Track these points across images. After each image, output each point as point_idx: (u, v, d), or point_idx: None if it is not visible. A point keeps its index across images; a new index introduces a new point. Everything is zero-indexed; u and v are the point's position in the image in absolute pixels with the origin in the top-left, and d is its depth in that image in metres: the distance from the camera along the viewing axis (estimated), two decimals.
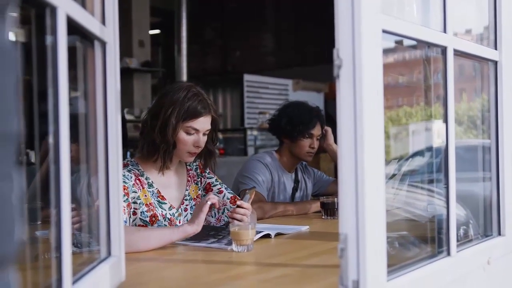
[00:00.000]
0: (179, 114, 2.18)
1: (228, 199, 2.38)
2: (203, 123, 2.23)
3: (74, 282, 1.10)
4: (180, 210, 2.32)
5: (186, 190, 2.37)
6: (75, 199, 1.15)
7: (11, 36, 0.60)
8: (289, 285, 1.53)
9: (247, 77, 8.26)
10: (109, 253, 1.39)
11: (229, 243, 1.94)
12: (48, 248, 1.48)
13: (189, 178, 2.40)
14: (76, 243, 1.36)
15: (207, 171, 2.46)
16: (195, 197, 2.40)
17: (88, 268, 1.25)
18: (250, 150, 7.44)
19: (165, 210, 2.25)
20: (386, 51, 1.30)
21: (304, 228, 2.39)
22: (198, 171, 2.44)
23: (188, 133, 2.21)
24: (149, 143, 2.22)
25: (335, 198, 2.71)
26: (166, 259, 1.85)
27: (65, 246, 1.03)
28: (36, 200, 1.83)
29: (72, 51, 1.11)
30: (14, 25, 0.62)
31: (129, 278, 1.48)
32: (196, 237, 2.07)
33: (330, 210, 2.69)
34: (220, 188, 2.43)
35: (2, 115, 0.57)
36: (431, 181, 1.93)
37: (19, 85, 0.61)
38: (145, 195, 2.21)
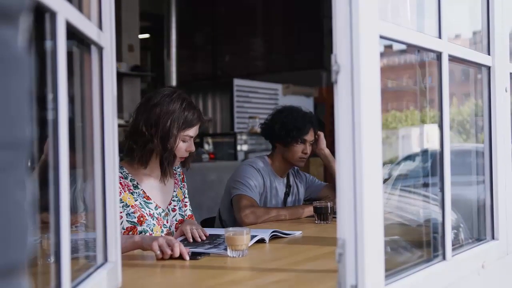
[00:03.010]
0: (179, 124, 2.26)
1: (186, 216, 2.47)
2: (196, 130, 2.35)
3: None
4: (167, 210, 2.37)
5: (174, 191, 2.44)
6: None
7: (24, 43, 0.60)
8: None
9: (237, 81, 8.25)
10: (105, 259, 1.38)
11: (227, 249, 1.94)
12: (43, 254, 1.47)
13: (175, 181, 2.48)
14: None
15: (185, 181, 2.56)
16: (181, 199, 2.48)
17: (85, 274, 1.24)
18: (240, 155, 7.43)
19: (152, 209, 2.30)
20: None
21: (298, 233, 2.39)
22: (180, 177, 2.53)
23: (183, 141, 2.31)
24: (148, 152, 2.27)
25: (328, 203, 2.71)
26: (161, 265, 1.84)
27: (64, 252, 1.02)
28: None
29: (68, 56, 1.10)
30: (27, 32, 0.62)
31: (125, 284, 1.47)
32: (193, 244, 2.07)
33: (323, 214, 2.69)
34: (187, 202, 2.53)
35: (16, 122, 0.57)
36: (423, 186, 1.94)
37: (32, 92, 0.61)
38: (129, 198, 2.25)
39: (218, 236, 2.22)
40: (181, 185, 2.52)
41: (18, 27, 0.58)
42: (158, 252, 1.86)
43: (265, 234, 2.19)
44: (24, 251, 0.58)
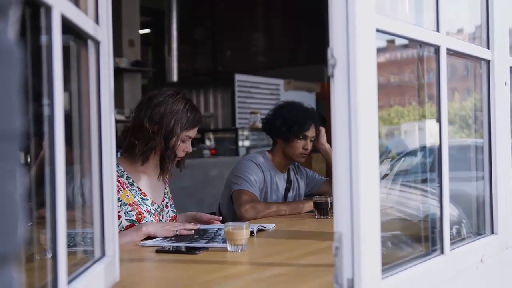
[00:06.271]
0: (182, 124, 2.30)
1: (170, 217, 2.48)
2: (195, 131, 2.40)
3: (69, 282, 1.10)
4: (161, 206, 2.43)
5: (165, 189, 2.50)
6: (67, 200, 1.15)
7: (14, 35, 0.60)
8: (284, 284, 1.53)
9: (238, 77, 8.25)
10: (103, 253, 1.38)
11: (225, 241, 1.94)
12: (42, 249, 1.47)
13: (166, 180, 2.52)
14: (69, 243, 1.36)
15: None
16: (171, 197, 2.54)
17: (82, 268, 1.24)
18: (242, 150, 7.43)
19: (149, 206, 2.34)
20: (378, 50, 1.30)
21: (272, 226, 2.41)
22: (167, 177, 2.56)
23: (183, 141, 2.35)
24: (150, 149, 2.30)
25: (328, 198, 2.71)
26: (160, 259, 1.84)
27: (60, 247, 1.02)
28: (28, 201, 1.82)
29: (64, 51, 1.10)
30: (16, 25, 0.62)
31: (123, 278, 1.47)
32: (186, 240, 2.07)
33: (323, 209, 2.70)
34: (171, 202, 2.55)
35: (6, 114, 0.57)
36: (423, 181, 1.94)
37: (22, 85, 0.61)
38: (127, 195, 2.28)
39: (205, 231, 2.23)
40: (168, 184, 2.57)
41: (8, 20, 0.58)
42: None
43: (253, 227, 2.22)
44: (15, 241, 0.58)
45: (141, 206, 2.29)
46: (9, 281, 0.56)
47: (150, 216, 2.31)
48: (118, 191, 2.24)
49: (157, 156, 2.35)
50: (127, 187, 2.29)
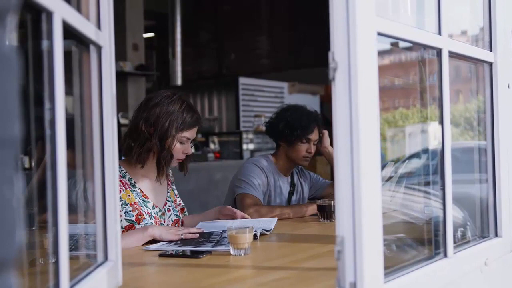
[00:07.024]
0: (177, 125, 2.30)
1: (172, 221, 2.48)
2: (194, 133, 2.39)
3: (71, 286, 1.10)
4: (163, 210, 2.43)
5: (168, 192, 2.49)
6: (70, 204, 1.15)
7: (12, 42, 0.60)
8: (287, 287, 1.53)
9: (242, 80, 8.25)
10: (106, 258, 1.38)
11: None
12: (46, 253, 1.48)
13: (169, 183, 2.53)
14: (72, 247, 1.36)
15: (173, 183, 2.59)
16: (174, 200, 2.53)
17: (85, 272, 1.25)
18: (246, 154, 7.43)
19: (150, 208, 2.34)
20: (382, 53, 1.30)
21: (274, 221, 2.45)
22: (172, 179, 2.58)
23: (181, 143, 2.34)
24: (146, 151, 2.30)
25: (332, 201, 2.70)
26: (162, 263, 1.84)
27: (62, 251, 1.02)
28: (32, 206, 1.83)
29: (67, 56, 1.11)
30: (14, 31, 0.63)
31: (126, 282, 1.47)
32: (192, 244, 2.06)
33: (326, 213, 2.69)
34: (180, 200, 2.59)
35: (4, 120, 0.57)
36: (427, 183, 1.93)
37: (20, 91, 0.61)
38: (129, 195, 2.29)
39: (209, 234, 2.24)
40: (173, 187, 2.57)
41: (6, 26, 0.58)
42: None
43: (258, 227, 2.23)
44: (13, 247, 0.58)
45: (141, 207, 2.30)
46: (8, 286, 0.56)
47: (151, 218, 2.31)
48: (119, 190, 2.24)
49: (156, 158, 2.35)
50: (129, 187, 2.31)
